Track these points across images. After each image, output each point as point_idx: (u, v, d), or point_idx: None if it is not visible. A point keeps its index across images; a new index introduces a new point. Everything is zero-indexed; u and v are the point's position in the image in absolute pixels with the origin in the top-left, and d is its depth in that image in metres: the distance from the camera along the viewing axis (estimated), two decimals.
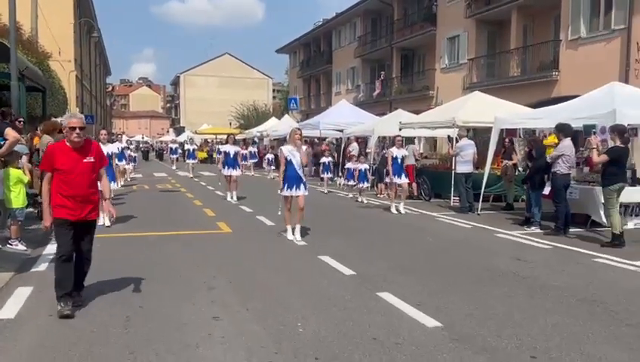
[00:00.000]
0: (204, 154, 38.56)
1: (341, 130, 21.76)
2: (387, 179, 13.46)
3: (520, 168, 12.75)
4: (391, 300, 5.37)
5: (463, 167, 12.51)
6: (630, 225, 9.92)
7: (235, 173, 14.49)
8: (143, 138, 69.88)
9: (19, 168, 7.74)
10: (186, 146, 27.95)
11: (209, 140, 45.08)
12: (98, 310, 4.99)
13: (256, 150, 29.47)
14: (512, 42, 22.19)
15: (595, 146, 8.74)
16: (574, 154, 10.05)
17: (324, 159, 17.72)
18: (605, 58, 17.47)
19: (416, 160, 16.40)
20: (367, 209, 13.33)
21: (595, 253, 7.85)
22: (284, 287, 5.93)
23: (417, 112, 19.23)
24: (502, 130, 12.60)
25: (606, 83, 11.41)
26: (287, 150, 8.75)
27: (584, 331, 4.60)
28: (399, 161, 12.42)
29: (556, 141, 10.30)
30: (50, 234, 5.58)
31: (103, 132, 12.03)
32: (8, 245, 7.46)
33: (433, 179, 14.89)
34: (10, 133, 7.06)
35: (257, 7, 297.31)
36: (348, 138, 20.22)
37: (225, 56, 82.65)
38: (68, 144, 4.92)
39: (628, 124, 9.35)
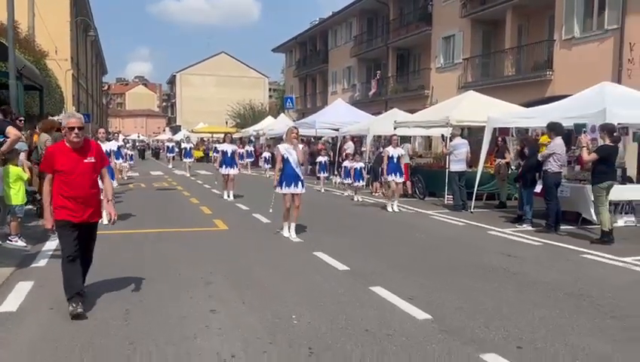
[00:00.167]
0: (200, 153, 38.63)
1: (337, 129, 21.87)
2: (382, 178, 13.60)
3: (513, 167, 12.91)
4: (383, 294, 5.51)
5: (457, 165, 12.67)
6: (620, 222, 10.10)
7: (233, 171, 14.62)
8: (139, 137, 70.05)
9: (18, 165, 7.86)
10: (183, 145, 27.99)
11: (205, 139, 45.22)
12: (98, 304, 5.10)
13: (252, 149, 29.61)
14: (506, 42, 22.35)
15: (585, 145, 8.89)
16: (565, 153, 10.22)
17: (320, 158, 17.84)
18: (598, 58, 17.63)
19: (411, 158, 16.54)
20: (362, 207, 13.48)
21: (584, 250, 8.02)
22: (280, 282, 6.06)
23: (413, 112, 19.37)
24: (495, 129, 12.75)
25: (599, 83, 11.56)
26: (284, 148, 8.86)
27: (570, 323, 4.75)
28: (395, 160, 12.58)
29: (549, 140, 10.46)
30: (49, 231, 5.66)
31: (102, 130, 12.10)
32: (8, 241, 7.60)
33: (427, 178, 15.05)
34: (11, 131, 7.18)
35: (254, 6, 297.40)
36: (344, 137, 20.35)
37: (221, 55, 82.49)
38: (67, 144, 4.87)
39: (618, 124, 9.51)
